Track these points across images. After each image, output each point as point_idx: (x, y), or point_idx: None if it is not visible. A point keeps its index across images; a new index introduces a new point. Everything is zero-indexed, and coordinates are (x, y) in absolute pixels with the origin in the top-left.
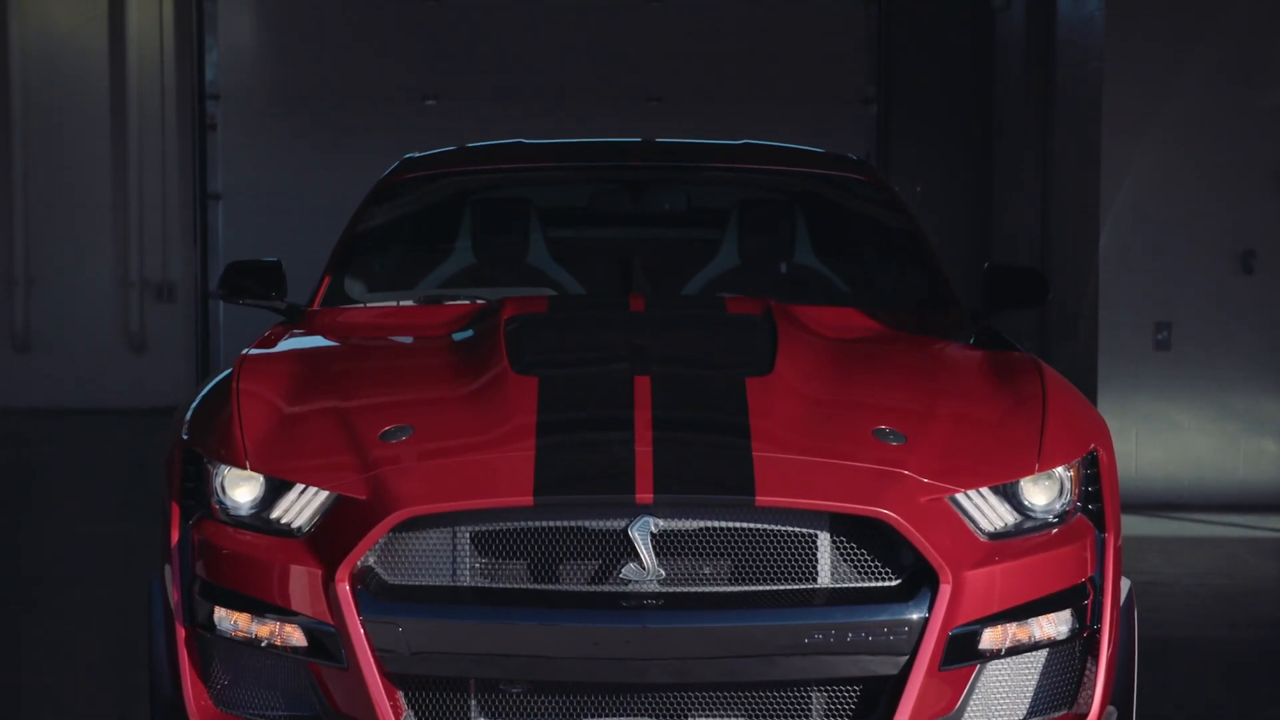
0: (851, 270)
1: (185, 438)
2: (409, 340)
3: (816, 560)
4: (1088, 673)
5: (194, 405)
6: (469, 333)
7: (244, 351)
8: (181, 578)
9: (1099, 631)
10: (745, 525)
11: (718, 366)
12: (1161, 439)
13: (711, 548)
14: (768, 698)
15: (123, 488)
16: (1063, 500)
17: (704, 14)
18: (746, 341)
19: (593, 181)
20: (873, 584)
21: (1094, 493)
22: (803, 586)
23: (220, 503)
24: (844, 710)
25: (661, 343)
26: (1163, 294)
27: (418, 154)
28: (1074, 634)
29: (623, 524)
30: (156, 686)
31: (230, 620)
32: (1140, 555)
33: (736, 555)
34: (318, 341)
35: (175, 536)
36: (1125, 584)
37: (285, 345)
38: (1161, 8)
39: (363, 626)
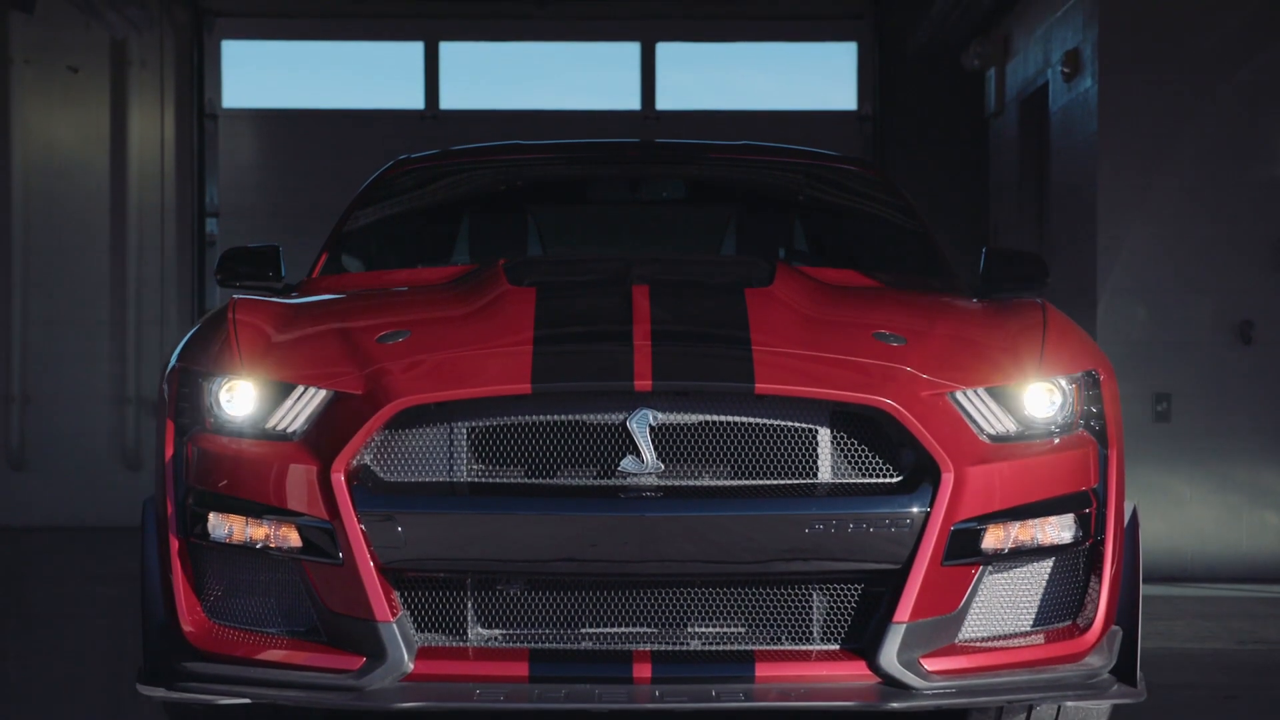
0: (852, 256)
1: (178, 363)
2: (406, 289)
3: (817, 457)
4: (1091, 587)
5: (186, 339)
6: (466, 278)
7: (235, 296)
8: (175, 490)
9: (1102, 544)
10: (744, 419)
11: (717, 281)
12: (1163, 511)
13: (711, 444)
14: (768, 601)
15: (119, 585)
16: (1064, 413)
17: (702, 130)
18: (746, 268)
19: (591, 179)
20: (874, 480)
21: (1096, 412)
22: (803, 481)
23: (215, 415)
24: (845, 613)
25: (661, 269)
26: (1161, 365)
27: (413, 154)
28: (1077, 541)
29: (621, 417)
30: (148, 608)
31: (225, 526)
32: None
33: (736, 452)
34: (314, 294)
35: (170, 452)
36: (1130, 506)
37: (280, 298)
38: (1155, 82)
39: (359, 521)
